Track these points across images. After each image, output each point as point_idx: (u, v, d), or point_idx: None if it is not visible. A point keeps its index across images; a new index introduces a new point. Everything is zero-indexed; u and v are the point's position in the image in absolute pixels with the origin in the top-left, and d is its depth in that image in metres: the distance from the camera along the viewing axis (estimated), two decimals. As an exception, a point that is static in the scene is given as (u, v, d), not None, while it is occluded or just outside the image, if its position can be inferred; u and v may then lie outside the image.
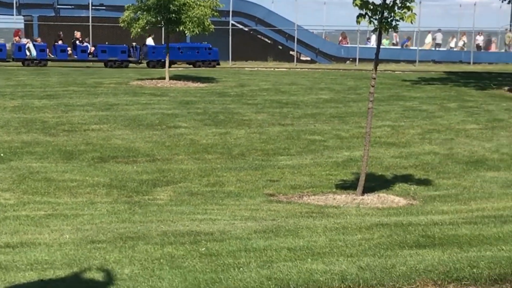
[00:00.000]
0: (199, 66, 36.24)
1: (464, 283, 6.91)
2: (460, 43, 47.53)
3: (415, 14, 11.53)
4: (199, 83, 27.40)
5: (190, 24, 26.49)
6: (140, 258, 7.36)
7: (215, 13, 27.58)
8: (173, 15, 26.40)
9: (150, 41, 37.48)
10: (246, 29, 45.27)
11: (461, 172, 14.69)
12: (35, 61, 34.17)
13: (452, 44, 47.60)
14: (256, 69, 35.99)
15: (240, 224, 9.29)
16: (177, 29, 27.24)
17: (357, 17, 11.66)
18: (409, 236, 8.41)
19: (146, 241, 8.11)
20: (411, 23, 11.59)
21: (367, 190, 12.37)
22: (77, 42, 35.83)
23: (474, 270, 7.07)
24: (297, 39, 42.26)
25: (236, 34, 42.46)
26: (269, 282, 6.61)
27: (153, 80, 27.39)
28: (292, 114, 20.95)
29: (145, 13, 26.57)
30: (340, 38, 46.49)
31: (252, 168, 14.59)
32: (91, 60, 35.90)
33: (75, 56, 35.65)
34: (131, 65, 35.52)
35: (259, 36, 45.34)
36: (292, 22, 44.17)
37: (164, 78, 27.28)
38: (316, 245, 7.98)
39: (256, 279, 6.66)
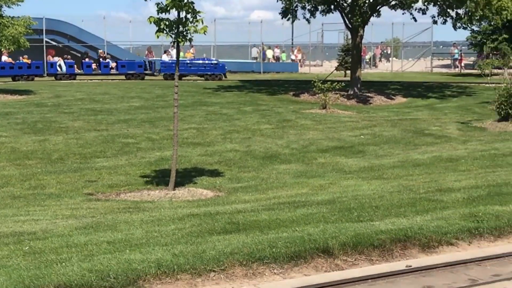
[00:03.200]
0: (207, 79, 36.07)
1: (266, 262, 6.99)
2: (299, 56, 48.68)
3: (206, 26, 11.66)
4: (17, 95, 26.07)
5: (6, 42, 25.31)
6: (-36, 261, 6.81)
7: (30, 31, 26.52)
8: (-11, 34, 25.12)
9: (164, 57, 38.36)
10: (60, 45, 43.78)
11: (258, 166, 14.96)
12: (65, 76, 34.95)
13: (293, 57, 48.69)
14: (70, 81, 34.84)
15: (62, 222, 8.87)
16: (-5, 47, 25.97)
17: (156, 32, 11.63)
18: (217, 224, 8.40)
19: (-31, 244, 7.53)
20: (204, 34, 11.68)
21: (178, 185, 12.29)
22: (101, 59, 36.68)
23: (274, 249, 7.17)
24: (107, 53, 41.38)
25: (50, 50, 40.95)
26: (91, 274, 6.32)
27: (-28, 95, 25.78)
28: (106, 120, 20.44)
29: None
30: (146, 52, 46.02)
31: (71, 171, 14.04)
32: (113, 74, 36.38)
33: (99, 71, 36.43)
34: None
35: (72, 51, 43.93)
36: (102, 38, 43.37)
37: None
38: (133, 237, 7.77)
39: (78, 272, 6.35)
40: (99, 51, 37.55)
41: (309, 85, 26.19)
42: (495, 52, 38.80)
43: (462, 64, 47.37)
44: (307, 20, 31.82)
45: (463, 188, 10.84)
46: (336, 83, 24.19)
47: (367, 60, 49.45)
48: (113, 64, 36.94)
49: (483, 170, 13.86)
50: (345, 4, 29.41)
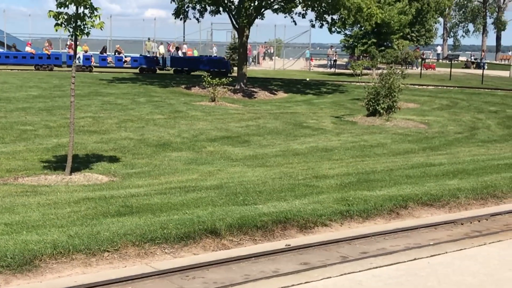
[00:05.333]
0: (216, 75, 33.81)
1: (157, 242, 6.91)
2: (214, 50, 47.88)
3: (103, 22, 11.39)
4: None
5: None
6: None
7: None
8: None
9: (175, 53, 38.78)
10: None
11: (152, 153, 14.76)
12: (82, 67, 33.70)
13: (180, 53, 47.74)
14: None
15: (-41, 205, 8.40)
16: None
17: (55, 25, 11.26)
18: (111, 207, 8.22)
19: None
20: (101, 29, 11.42)
21: (74, 170, 11.92)
22: (116, 53, 36.09)
23: (165, 231, 7.10)
24: (7, 45, 39.57)
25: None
26: (-12, 255, 6.03)
27: None
28: (4, 108, 19.54)
29: None
30: (47, 44, 44.28)
31: (-32, 156, 13.31)
32: (126, 67, 35.94)
33: (113, 64, 35.98)
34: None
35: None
36: (2, 30, 41.45)
37: None
38: (30, 219, 7.48)
39: (-25, 253, 6.04)
40: (117, 46, 37.27)
41: (200, 79, 26.12)
42: (365, 55, 40.03)
43: (313, 64, 48.73)
44: (197, 19, 31.84)
45: (336, 175, 11.13)
46: (224, 78, 24.24)
47: (252, 58, 49.81)
48: (127, 59, 36.59)
49: (354, 159, 14.29)
50: (232, 6, 29.57)
